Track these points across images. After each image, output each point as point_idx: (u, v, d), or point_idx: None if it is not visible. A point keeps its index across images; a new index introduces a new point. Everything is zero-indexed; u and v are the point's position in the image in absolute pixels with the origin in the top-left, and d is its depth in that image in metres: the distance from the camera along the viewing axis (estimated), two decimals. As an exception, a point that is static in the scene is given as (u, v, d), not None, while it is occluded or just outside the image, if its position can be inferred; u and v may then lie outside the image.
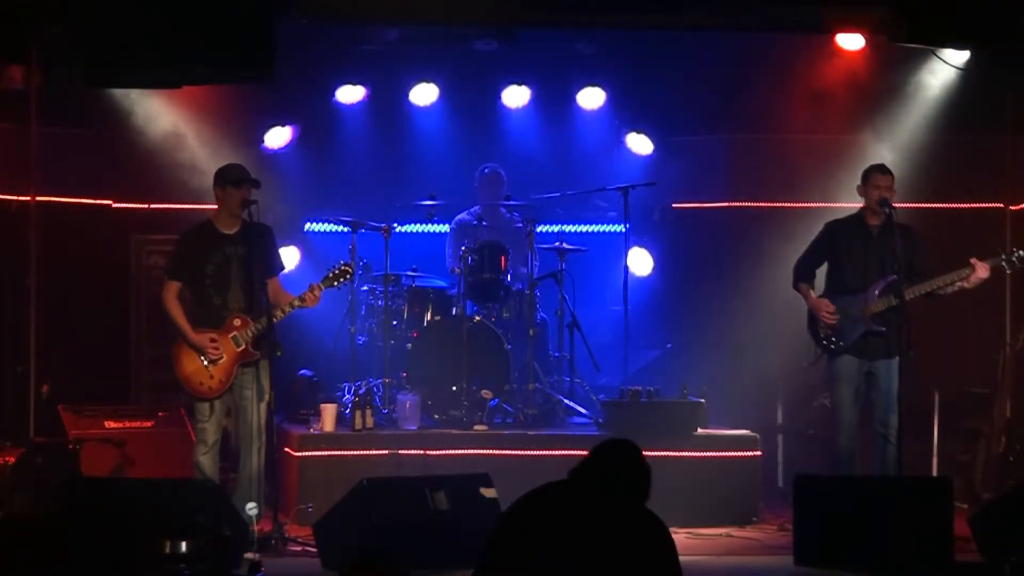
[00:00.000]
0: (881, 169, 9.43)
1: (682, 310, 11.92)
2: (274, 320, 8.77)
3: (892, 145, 11.22)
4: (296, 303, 8.91)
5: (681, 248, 12.05)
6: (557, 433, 10.36)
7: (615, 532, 4.88)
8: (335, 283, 9.17)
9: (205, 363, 8.81)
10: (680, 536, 9.52)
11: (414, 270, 11.06)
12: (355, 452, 9.82)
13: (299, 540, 8.69)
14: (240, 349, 8.83)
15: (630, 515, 4.93)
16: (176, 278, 8.97)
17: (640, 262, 11.91)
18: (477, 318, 10.66)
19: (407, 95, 11.86)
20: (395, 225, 10.88)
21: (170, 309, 8.89)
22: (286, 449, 10.02)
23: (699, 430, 10.25)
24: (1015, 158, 11.35)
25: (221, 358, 8.79)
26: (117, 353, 11.42)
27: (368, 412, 10.01)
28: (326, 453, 9.81)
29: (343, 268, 9.17)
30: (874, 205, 9.34)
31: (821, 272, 9.67)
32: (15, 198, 10.78)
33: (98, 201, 11.40)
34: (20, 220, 10.71)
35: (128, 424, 10.25)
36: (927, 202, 11.26)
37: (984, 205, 11.58)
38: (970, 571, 8.06)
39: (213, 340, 8.79)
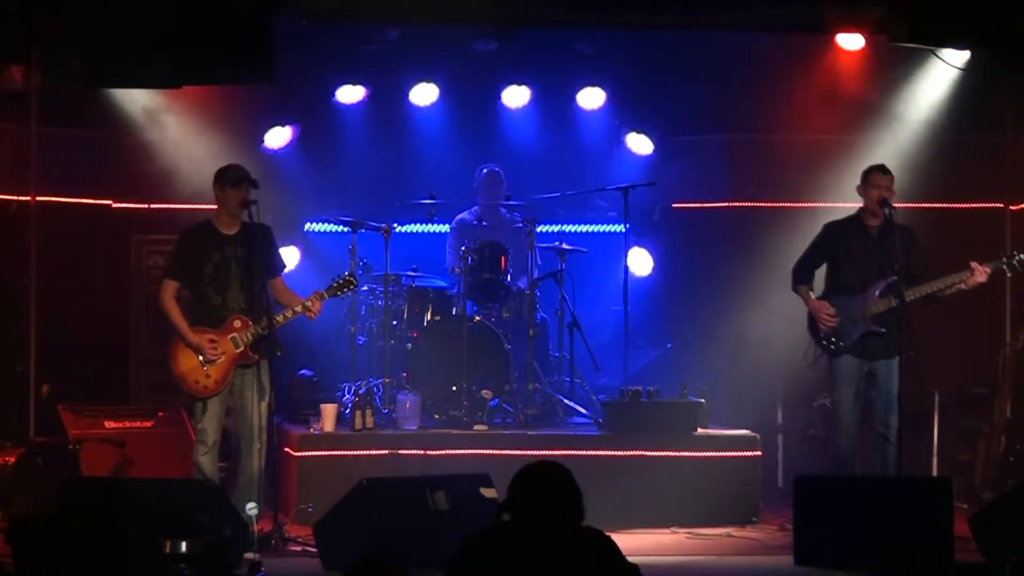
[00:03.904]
0: (881, 169, 9.43)
1: (682, 310, 11.92)
2: (275, 324, 8.77)
3: (892, 145, 11.21)
4: (299, 310, 8.91)
5: (681, 248, 12.05)
6: (557, 433, 10.37)
7: (567, 562, 4.85)
8: (339, 293, 9.18)
9: (201, 362, 8.81)
10: (680, 536, 9.55)
11: (414, 270, 11.06)
12: (355, 452, 9.82)
13: (299, 540, 8.69)
14: (239, 351, 8.82)
15: (576, 539, 4.88)
16: (173, 278, 8.96)
17: (640, 262, 11.91)
18: (477, 318, 10.66)
19: (407, 95, 11.86)
20: (395, 225, 10.88)
21: (167, 309, 8.89)
22: (286, 449, 10.02)
23: (699, 430, 10.26)
24: (1015, 158, 11.35)
25: (219, 359, 8.79)
26: (117, 353, 11.42)
27: (368, 412, 10.01)
28: (326, 453, 9.81)
29: (348, 279, 9.17)
30: (873, 205, 9.34)
31: (820, 272, 9.68)
32: (15, 198, 10.79)
33: (98, 201, 11.41)
34: (20, 220, 10.72)
35: (128, 424, 10.26)
36: (927, 202, 11.26)
37: (984, 205, 11.58)
38: (970, 571, 8.06)
39: (212, 341, 8.79)
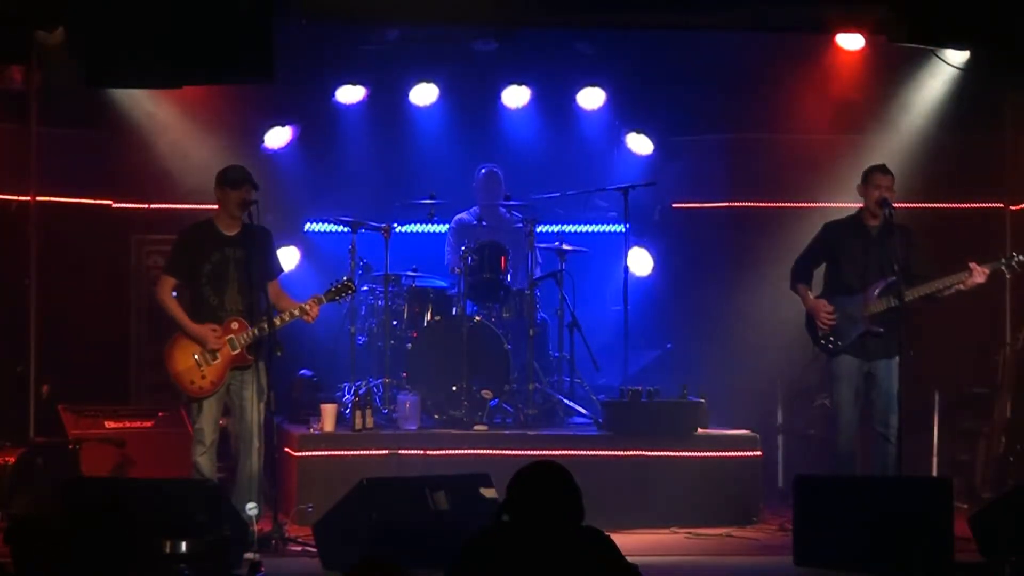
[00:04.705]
0: (882, 169, 9.43)
1: (682, 310, 11.91)
2: (275, 326, 8.76)
3: (892, 145, 11.21)
4: (296, 313, 8.91)
5: (681, 248, 12.04)
6: (557, 433, 10.37)
7: (567, 562, 4.85)
8: (337, 298, 9.18)
9: (196, 360, 8.79)
10: (680, 536, 9.55)
11: (414, 270, 11.06)
12: (355, 452, 9.81)
13: (299, 540, 8.69)
14: (235, 352, 8.82)
15: (576, 539, 4.89)
16: (171, 274, 8.96)
17: (640, 262, 11.90)
18: (477, 318, 10.66)
19: (407, 95, 11.86)
20: (395, 225, 10.88)
21: (165, 303, 8.88)
22: (286, 449, 10.02)
23: (699, 430, 10.26)
24: (1015, 158, 11.35)
25: (219, 351, 8.77)
26: (117, 353, 11.41)
27: (368, 412, 10.00)
28: (326, 453, 9.81)
29: (346, 284, 9.17)
30: (873, 206, 9.34)
31: (819, 271, 9.69)
32: (15, 198, 10.78)
33: (98, 201, 11.40)
34: (20, 220, 10.72)
35: (128, 424, 10.25)
36: (927, 202, 11.25)
37: (984, 205, 11.58)
38: (970, 571, 8.06)
39: (215, 329, 8.78)
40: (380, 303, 10.83)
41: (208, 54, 8.96)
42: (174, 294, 8.98)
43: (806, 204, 11.44)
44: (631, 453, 9.99)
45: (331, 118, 11.88)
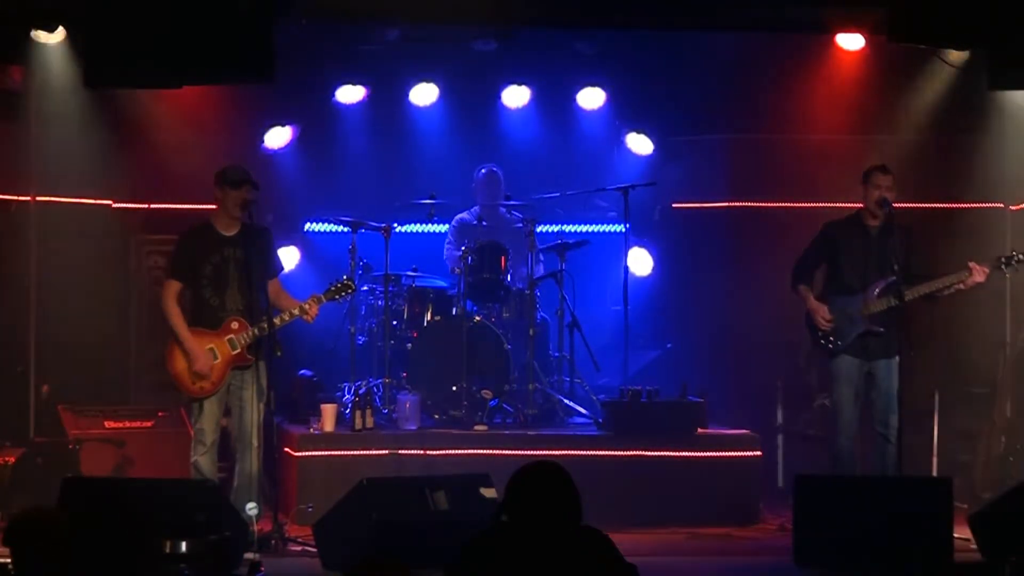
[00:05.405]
0: (882, 169, 9.44)
1: (682, 310, 11.92)
2: (275, 326, 8.76)
3: (892, 145, 11.21)
4: (296, 312, 8.91)
5: (681, 248, 12.05)
6: (557, 433, 10.37)
7: (566, 562, 4.85)
8: (336, 297, 9.18)
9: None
10: (680, 536, 9.54)
11: (414, 270, 11.06)
12: (355, 452, 9.82)
13: (299, 540, 8.69)
14: (235, 352, 8.82)
15: (575, 539, 4.89)
16: (176, 278, 8.96)
17: (640, 262, 11.90)
18: (477, 318, 10.67)
19: (407, 95, 11.86)
20: (395, 225, 10.88)
21: (169, 311, 8.87)
22: (286, 449, 10.02)
23: (699, 430, 10.26)
24: (1014, 158, 11.34)
25: (207, 376, 8.76)
26: (117, 353, 11.40)
27: (368, 412, 10.00)
28: (326, 453, 9.81)
29: (346, 283, 9.18)
30: (873, 205, 9.35)
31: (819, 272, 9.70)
32: (15, 198, 10.78)
33: (98, 201, 11.39)
34: (20, 220, 10.72)
35: (128, 424, 10.26)
36: (927, 202, 11.25)
37: (984, 205, 11.57)
38: (970, 571, 8.06)
39: (206, 355, 8.75)
40: (380, 303, 10.83)
41: (208, 54, 8.95)
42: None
43: (806, 204, 11.44)
44: (631, 453, 9.99)
45: (331, 118, 11.87)
